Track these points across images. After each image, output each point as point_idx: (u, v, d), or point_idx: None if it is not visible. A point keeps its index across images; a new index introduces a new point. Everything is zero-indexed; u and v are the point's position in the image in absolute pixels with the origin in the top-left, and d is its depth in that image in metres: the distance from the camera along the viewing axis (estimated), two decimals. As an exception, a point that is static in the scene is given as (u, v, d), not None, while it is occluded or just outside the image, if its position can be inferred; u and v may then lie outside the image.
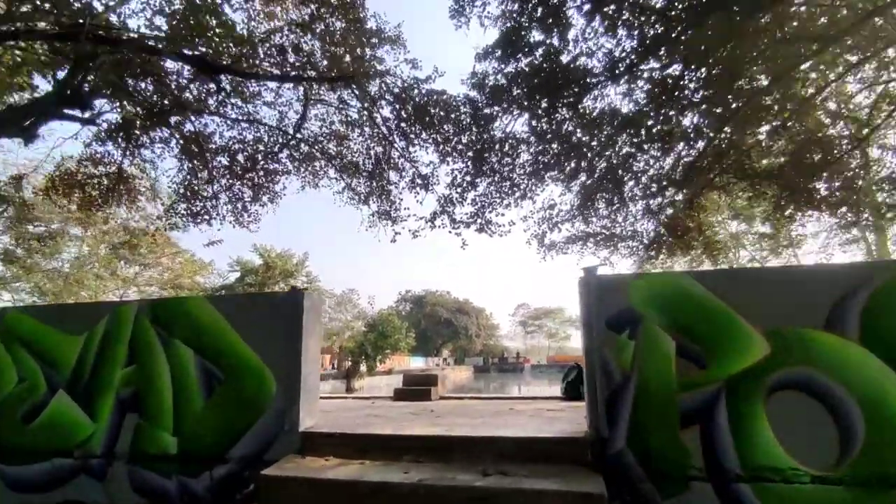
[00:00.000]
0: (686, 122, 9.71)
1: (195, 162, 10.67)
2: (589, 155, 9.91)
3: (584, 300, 4.47)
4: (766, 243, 23.71)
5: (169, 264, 31.90)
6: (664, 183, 10.17)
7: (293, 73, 8.64)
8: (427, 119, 9.33)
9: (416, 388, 9.45)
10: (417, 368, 43.30)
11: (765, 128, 9.66)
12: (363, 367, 29.08)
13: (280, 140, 10.13)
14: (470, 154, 9.59)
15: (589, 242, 10.77)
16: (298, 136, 10.05)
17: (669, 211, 10.39)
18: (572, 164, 9.94)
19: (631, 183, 10.40)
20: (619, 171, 10.08)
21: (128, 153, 10.27)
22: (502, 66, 8.40)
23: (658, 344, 4.11)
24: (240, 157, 10.76)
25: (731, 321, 4.02)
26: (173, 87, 9.54)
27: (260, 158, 10.87)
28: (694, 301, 4.14)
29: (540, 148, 9.57)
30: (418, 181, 9.78)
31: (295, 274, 36.20)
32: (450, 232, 9.45)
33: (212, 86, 9.79)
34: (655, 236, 10.47)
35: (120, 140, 10.27)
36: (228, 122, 10.46)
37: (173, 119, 10.25)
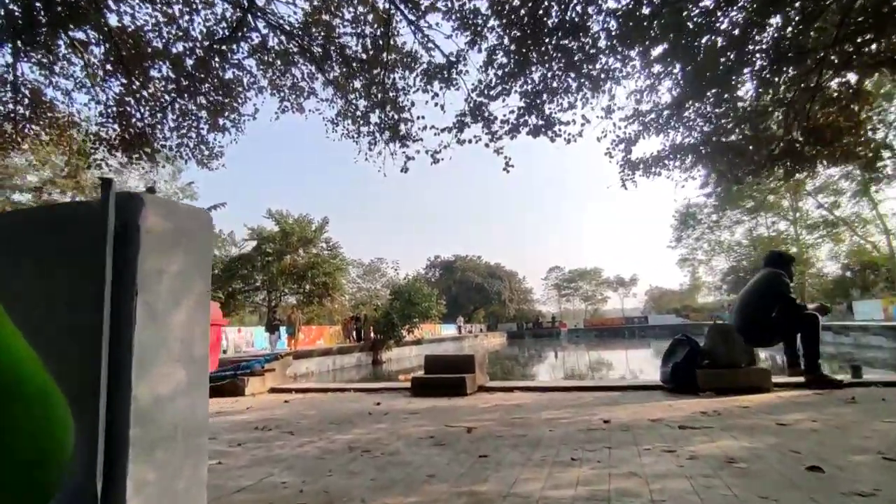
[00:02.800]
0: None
1: (128, 71, 7.65)
2: (692, 24, 6.49)
3: None
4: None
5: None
6: (808, 62, 6.66)
7: None
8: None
9: (444, 378, 6.48)
10: (449, 336, 40.71)
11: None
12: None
13: (233, 21, 6.96)
14: (515, 31, 6.25)
15: (689, 157, 7.37)
16: (254, 10, 6.85)
17: (813, 106, 6.89)
18: (669, 39, 6.52)
19: (754, 66, 6.92)
20: (738, 48, 6.63)
21: (23, 58, 7.34)
22: None
23: None
24: (186, 63, 7.69)
25: None
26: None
27: (215, 64, 7.78)
28: None
29: (622, 11, 6.18)
30: (437, 73, 6.50)
31: (314, 240, 33.71)
32: (486, 145, 6.28)
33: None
34: (788, 145, 7.02)
35: (16, 44, 7.35)
36: (163, 9, 7.37)
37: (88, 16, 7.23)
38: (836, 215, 38.88)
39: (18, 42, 7.28)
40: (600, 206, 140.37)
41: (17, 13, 7.06)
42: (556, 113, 6.18)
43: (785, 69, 6.73)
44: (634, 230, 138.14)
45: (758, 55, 6.85)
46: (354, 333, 27.10)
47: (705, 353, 6.06)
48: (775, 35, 6.77)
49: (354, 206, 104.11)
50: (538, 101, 6.08)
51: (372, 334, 26.63)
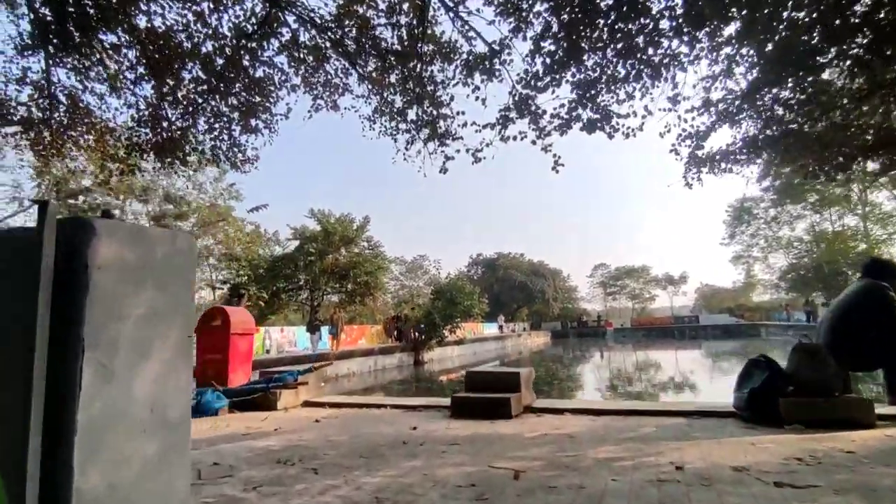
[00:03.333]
0: None
1: (158, 74, 7.45)
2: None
3: None
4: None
5: (228, 235, 30.32)
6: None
7: None
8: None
9: (487, 399, 5.92)
10: (491, 335, 40.02)
11: None
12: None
13: (262, 16, 6.58)
14: (564, 14, 5.59)
15: (767, 150, 6.45)
16: (283, 3, 6.45)
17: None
18: (743, 16, 5.70)
19: (844, 44, 6.01)
20: (826, 23, 5.76)
21: (58, 63, 7.23)
22: None
23: None
24: (216, 62, 7.41)
25: None
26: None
27: (245, 63, 7.49)
28: None
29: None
30: (478, 64, 5.91)
31: (356, 239, 33.64)
32: (533, 142, 5.66)
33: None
34: (886, 133, 6.05)
35: (51, 49, 7.27)
36: (191, 7, 7.10)
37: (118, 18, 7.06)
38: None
39: (50, 48, 7.19)
40: (649, 202, 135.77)
41: (48, 17, 6.95)
42: (611, 105, 5.48)
43: (884, 46, 5.78)
44: (684, 226, 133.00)
45: (849, 31, 5.93)
46: (396, 333, 26.87)
47: (788, 378, 5.25)
48: (870, 6, 5.84)
49: (397, 205, 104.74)
50: (593, 92, 5.38)
51: (413, 334, 26.32)
